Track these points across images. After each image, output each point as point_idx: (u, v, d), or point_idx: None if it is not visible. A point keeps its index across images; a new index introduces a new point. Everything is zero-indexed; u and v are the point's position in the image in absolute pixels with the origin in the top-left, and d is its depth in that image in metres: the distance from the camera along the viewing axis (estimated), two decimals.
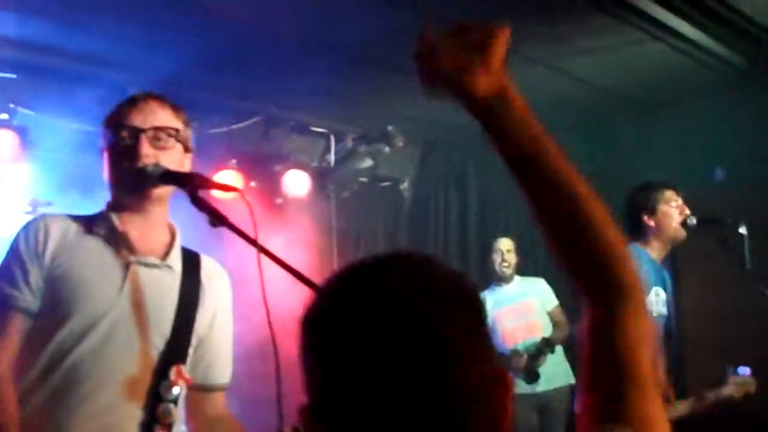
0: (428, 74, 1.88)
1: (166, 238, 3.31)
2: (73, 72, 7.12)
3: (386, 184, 10.13)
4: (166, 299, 3.22)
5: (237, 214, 2.82)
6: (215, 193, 3.06)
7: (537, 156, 1.87)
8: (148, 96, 3.28)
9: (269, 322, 2.72)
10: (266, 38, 6.84)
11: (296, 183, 8.94)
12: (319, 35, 6.97)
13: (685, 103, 8.64)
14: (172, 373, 3.15)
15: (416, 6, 6.49)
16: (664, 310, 6.15)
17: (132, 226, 3.20)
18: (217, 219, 2.78)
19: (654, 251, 6.14)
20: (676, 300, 9.28)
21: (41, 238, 3.06)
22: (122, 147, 3.16)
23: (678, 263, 9.31)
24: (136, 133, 3.16)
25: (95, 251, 3.13)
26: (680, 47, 7.50)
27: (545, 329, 8.18)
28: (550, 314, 8.32)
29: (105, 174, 3.24)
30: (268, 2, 6.26)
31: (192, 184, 2.91)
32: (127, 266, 3.14)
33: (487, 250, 8.71)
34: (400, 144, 9.23)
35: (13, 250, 3.08)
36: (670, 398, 5.96)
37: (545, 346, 8.01)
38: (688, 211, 6.14)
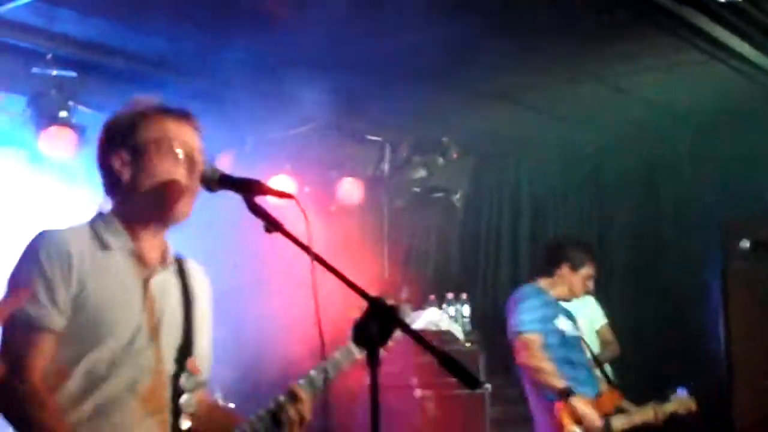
0: None
1: (161, 241, 3.32)
2: (132, 72, 7.18)
3: (439, 194, 10.13)
4: (174, 303, 3.27)
5: (289, 219, 2.84)
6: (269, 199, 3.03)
7: None
8: (179, 113, 3.26)
9: (320, 328, 2.74)
10: (322, 45, 6.87)
11: (350, 191, 8.98)
12: (375, 45, 6.99)
13: (745, 125, 8.56)
14: (189, 364, 3.23)
15: (480, 19, 6.53)
16: (574, 332, 6.80)
17: (142, 237, 3.21)
18: (272, 225, 2.79)
19: (555, 291, 6.85)
20: (725, 325, 9.24)
21: (64, 258, 3.04)
22: (171, 158, 3.16)
23: (728, 288, 9.26)
24: (190, 149, 3.20)
25: (116, 270, 3.14)
26: (741, 68, 7.45)
27: (592, 348, 8.12)
28: (598, 333, 8.26)
29: (133, 181, 3.16)
30: (322, 8, 6.29)
31: (249, 190, 2.91)
32: (145, 282, 3.19)
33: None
34: (454, 155, 9.25)
35: (35, 267, 3.04)
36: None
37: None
38: (591, 287, 6.96)
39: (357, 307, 2.61)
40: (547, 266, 6.93)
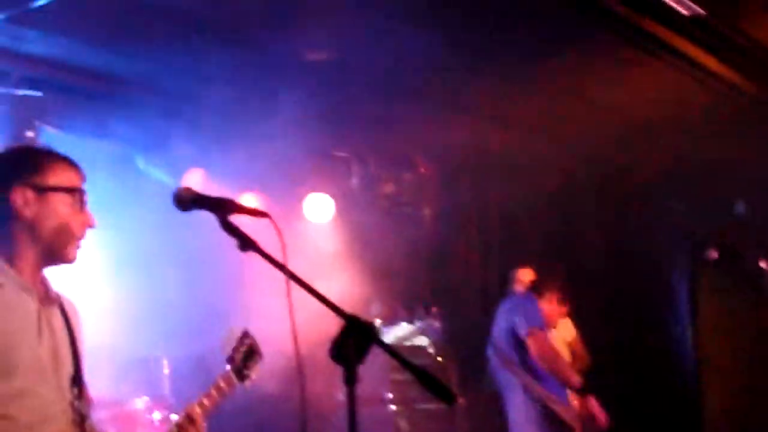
0: None
1: (42, 276, 3.36)
2: (98, 91, 7.16)
3: (408, 209, 10.13)
4: (63, 336, 3.32)
5: (258, 237, 2.85)
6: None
7: None
8: (75, 162, 3.39)
9: (295, 342, 2.77)
10: (293, 62, 6.88)
11: (318, 207, 8.97)
12: (344, 60, 7.00)
13: (711, 136, 8.63)
14: (83, 392, 3.33)
15: (445, 34, 6.57)
16: None
17: (27, 272, 3.25)
18: (247, 244, 2.80)
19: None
20: (693, 330, 9.34)
21: None
22: (74, 206, 3.27)
23: (697, 294, 9.35)
24: (85, 200, 3.32)
25: (12, 305, 3.16)
26: (705, 81, 7.51)
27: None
28: (569, 345, 8.29)
29: (35, 221, 3.23)
30: (296, 28, 6.30)
31: (223, 209, 2.92)
32: (38, 315, 3.21)
33: (508, 279, 8.69)
34: (422, 169, 9.26)
35: None
36: None
37: None
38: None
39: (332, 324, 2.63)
40: (538, 288, 7.12)
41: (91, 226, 3.31)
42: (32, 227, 3.21)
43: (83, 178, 3.34)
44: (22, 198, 3.19)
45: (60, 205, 3.23)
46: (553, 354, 6.84)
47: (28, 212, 3.20)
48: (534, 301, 7.08)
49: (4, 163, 3.32)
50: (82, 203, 3.29)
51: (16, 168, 3.27)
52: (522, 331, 6.90)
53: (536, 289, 7.22)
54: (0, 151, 3.38)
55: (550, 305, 7.17)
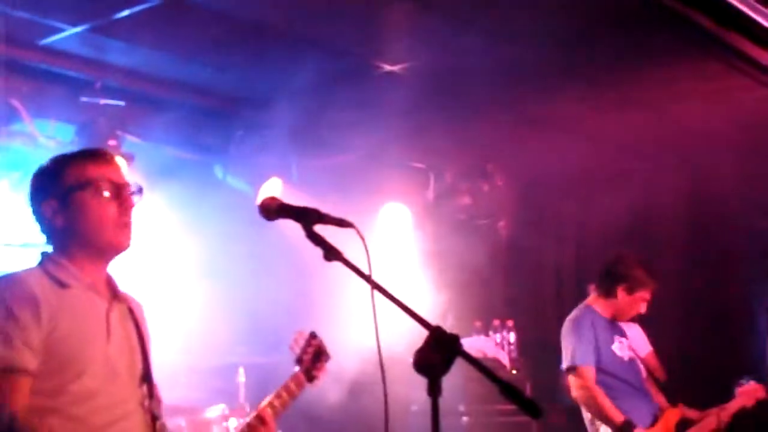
0: None
1: (107, 274, 3.42)
2: (179, 101, 7.23)
3: (484, 221, 10.10)
4: (132, 335, 3.38)
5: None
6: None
7: None
8: (98, 153, 3.44)
9: (379, 353, 2.80)
10: (371, 73, 6.90)
11: (395, 218, 8.98)
12: (423, 72, 7.01)
13: None
14: (154, 391, 3.39)
15: (526, 48, 6.55)
16: (629, 353, 6.82)
17: (91, 271, 3.32)
18: (331, 254, 2.81)
19: (607, 312, 6.77)
20: None
21: (31, 300, 3.09)
22: (98, 197, 3.29)
23: None
24: (116, 186, 3.34)
25: (80, 306, 3.22)
26: None
27: None
28: (643, 360, 8.20)
29: (68, 226, 3.29)
30: (373, 40, 6.32)
31: (308, 219, 2.93)
32: (107, 315, 3.28)
33: (582, 293, 8.62)
34: (499, 182, 9.23)
35: (3, 310, 3.07)
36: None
37: None
38: (642, 310, 6.78)
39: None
40: (603, 286, 6.81)
41: (130, 206, 3.33)
42: (70, 232, 3.29)
43: (103, 164, 3.36)
44: (50, 211, 3.29)
45: (83, 203, 3.28)
46: (588, 396, 6.51)
47: (59, 221, 3.29)
48: (582, 326, 6.70)
49: (34, 183, 3.39)
50: (108, 190, 3.30)
51: (40, 184, 3.36)
52: (564, 365, 6.67)
53: (603, 288, 6.87)
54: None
55: (620, 299, 6.79)
